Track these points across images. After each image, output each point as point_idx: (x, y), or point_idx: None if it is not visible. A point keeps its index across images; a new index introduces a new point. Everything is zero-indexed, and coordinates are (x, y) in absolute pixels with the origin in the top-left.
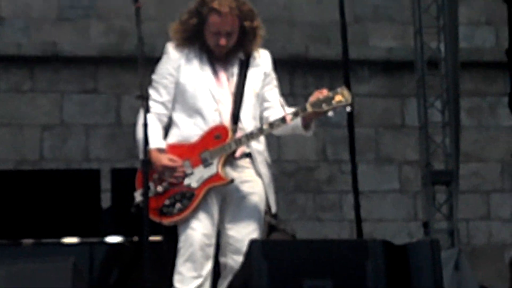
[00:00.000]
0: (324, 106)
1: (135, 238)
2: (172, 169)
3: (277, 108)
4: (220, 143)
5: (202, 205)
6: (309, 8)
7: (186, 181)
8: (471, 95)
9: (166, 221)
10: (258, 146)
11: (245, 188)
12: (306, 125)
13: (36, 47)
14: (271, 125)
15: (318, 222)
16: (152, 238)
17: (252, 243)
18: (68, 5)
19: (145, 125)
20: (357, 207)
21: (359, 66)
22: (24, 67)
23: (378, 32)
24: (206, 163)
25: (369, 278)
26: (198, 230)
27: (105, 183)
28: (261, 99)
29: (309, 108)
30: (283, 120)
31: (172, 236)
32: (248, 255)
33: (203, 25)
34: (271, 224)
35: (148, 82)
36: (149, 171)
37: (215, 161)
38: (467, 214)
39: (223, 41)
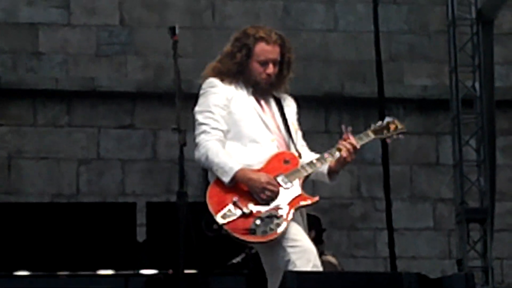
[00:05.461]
0: (385, 133)
1: (170, 271)
2: (268, 190)
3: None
4: (292, 167)
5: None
6: (345, 46)
7: (274, 202)
8: (506, 134)
9: (263, 240)
10: None
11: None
12: (333, 172)
13: (73, 82)
14: (332, 155)
15: (353, 259)
16: (187, 270)
17: (286, 274)
18: (105, 41)
19: (181, 159)
20: (391, 244)
21: (394, 104)
22: (61, 101)
23: (413, 70)
24: (286, 186)
25: None
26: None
27: (141, 218)
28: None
29: (371, 134)
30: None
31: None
32: (283, 286)
33: (249, 58)
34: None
35: (185, 115)
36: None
37: (295, 183)
38: (502, 252)
39: (270, 69)
